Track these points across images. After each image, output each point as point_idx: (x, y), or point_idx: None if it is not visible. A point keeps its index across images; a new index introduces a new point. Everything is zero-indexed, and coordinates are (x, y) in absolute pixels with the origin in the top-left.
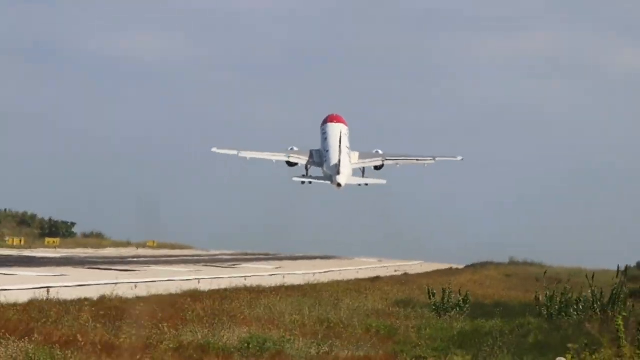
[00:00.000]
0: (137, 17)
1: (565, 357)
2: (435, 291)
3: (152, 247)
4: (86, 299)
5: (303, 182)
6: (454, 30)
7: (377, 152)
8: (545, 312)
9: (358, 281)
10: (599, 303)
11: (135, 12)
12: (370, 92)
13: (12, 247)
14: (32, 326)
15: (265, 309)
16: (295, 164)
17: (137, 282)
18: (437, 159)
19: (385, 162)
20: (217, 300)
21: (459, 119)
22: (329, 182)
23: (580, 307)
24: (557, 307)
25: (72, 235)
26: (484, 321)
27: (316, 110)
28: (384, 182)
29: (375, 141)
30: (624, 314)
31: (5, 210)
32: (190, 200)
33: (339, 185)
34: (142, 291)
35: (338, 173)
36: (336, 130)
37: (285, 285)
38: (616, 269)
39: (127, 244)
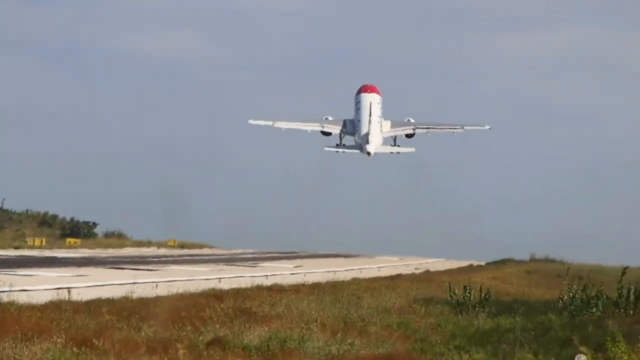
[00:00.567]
0: (154, 17)
1: (584, 354)
2: (456, 288)
3: (173, 247)
4: (107, 299)
5: (337, 152)
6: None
7: (408, 120)
8: (567, 309)
9: (379, 279)
10: (622, 299)
11: (151, 12)
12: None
13: (33, 247)
14: (54, 326)
15: (285, 308)
16: (329, 134)
17: (157, 282)
18: (465, 128)
19: (417, 131)
20: (238, 299)
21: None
22: (359, 151)
23: (601, 304)
24: (578, 304)
25: (93, 235)
26: (504, 318)
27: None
28: (412, 150)
29: (407, 112)
30: None
31: (27, 211)
32: (214, 197)
33: (369, 153)
34: (162, 290)
35: (367, 142)
36: (368, 100)
37: (306, 283)
38: (636, 266)
39: (148, 243)
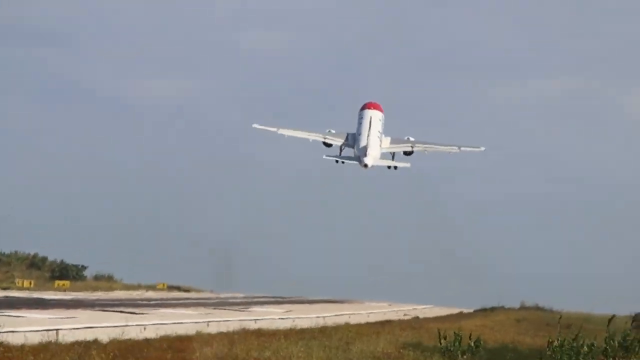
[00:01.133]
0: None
1: None
2: (445, 335)
3: (162, 290)
4: (96, 341)
5: (337, 161)
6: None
7: (408, 138)
8: (557, 357)
9: (368, 325)
10: (610, 348)
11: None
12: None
13: (21, 289)
14: None
15: (274, 353)
16: (330, 145)
17: (146, 325)
18: (462, 148)
19: (415, 148)
20: (226, 343)
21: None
22: (357, 162)
23: (590, 354)
24: (568, 353)
25: (82, 278)
26: None
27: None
28: (408, 165)
29: (409, 131)
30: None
31: (16, 252)
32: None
33: (366, 165)
34: (151, 333)
35: (365, 155)
36: (371, 117)
37: (295, 328)
38: (625, 314)
39: (138, 287)
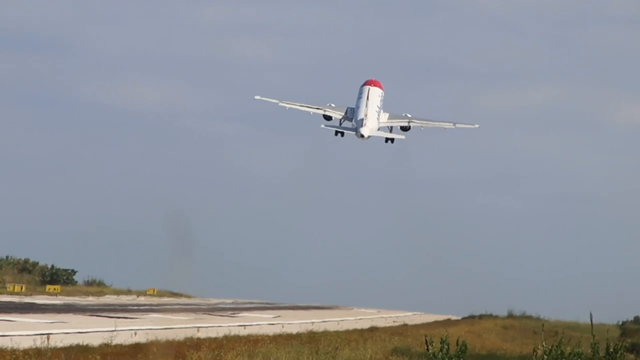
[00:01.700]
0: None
1: None
2: (432, 341)
3: (152, 295)
4: (86, 346)
5: (336, 133)
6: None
7: (405, 115)
8: None
9: (357, 331)
10: (596, 356)
11: (138, 63)
12: None
13: (12, 293)
14: None
15: (263, 358)
16: (330, 118)
17: (136, 330)
18: (457, 125)
19: (411, 124)
20: (215, 348)
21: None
22: (354, 133)
23: None
24: (554, 359)
25: (73, 282)
26: None
27: None
28: (403, 137)
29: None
30: None
31: (7, 257)
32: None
33: (362, 136)
34: (141, 338)
35: (362, 125)
36: (369, 92)
37: (284, 334)
38: (612, 322)
39: (128, 292)
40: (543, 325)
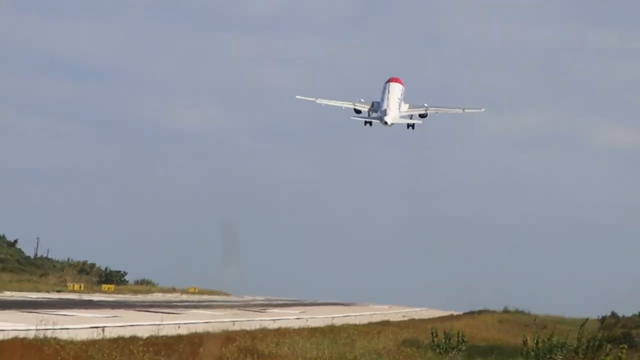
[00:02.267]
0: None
1: None
2: (437, 333)
3: (194, 293)
4: (136, 337)
5: (365, 123)
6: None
7: (423, 104)
8: (532, 354)
9: (371, 324)
10: (581, 349)
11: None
12: None
13: (73, 291)
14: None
15: (289, 348)
16: (360, 111)
17: (180, 323)
18: (465, 110)
19: (428, 111)
20: (249, 339)
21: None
22: (379, 121)
23: (564, 351)
24: (545, 349)
25: (124, 282)
26: None
27: None
28: (420, 122)
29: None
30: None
31: (68, 260)
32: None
33: (386, 123)
34: (184, 331)
35: (386, 114)
36: (391, 87)
37: (308, 327)
38: (594, 317)
39: (173, 290)
40: (535, 319)
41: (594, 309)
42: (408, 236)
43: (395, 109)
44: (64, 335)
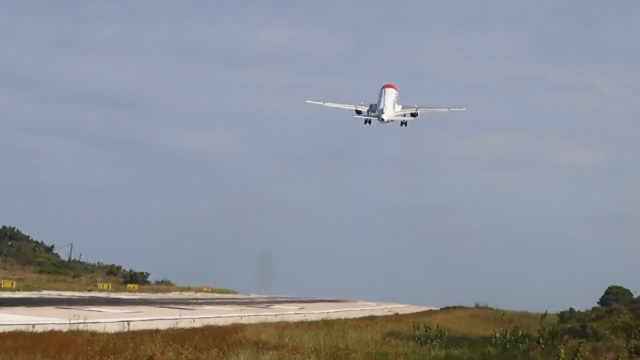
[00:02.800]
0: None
1: None
2: (419, 326)
3: (207, 291)
4: (157, 330)
5: (365, 122)
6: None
7: (413, 105)
8: (500, 344)
9: (361, 319)
10: (542, 337)
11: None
12: None
13: (102, 290)
14: (117, 349)
15: (290, 339)
16: (360, 112)
17: (195, 318)
18: (450, 109)
19: (418, 111)
20: (255, 331)
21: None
22: (376, 118)
23: (527, 340)
24: (510, 340)
25: (147, 282)
26: (454, 349)
27: None
28: (413, 119)
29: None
30: (561, 346)
31: (98, 263)
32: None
33: (382, 120)
34: (198, 324)
35: (382, 113)
36: (386, 91)
37: (306, 321)
38: (554, 312)
39: (188, 289)
40: (503, 314)
41: (554, 305)
42: (392, 243)
43: (391, 109)
44: (94, 328)
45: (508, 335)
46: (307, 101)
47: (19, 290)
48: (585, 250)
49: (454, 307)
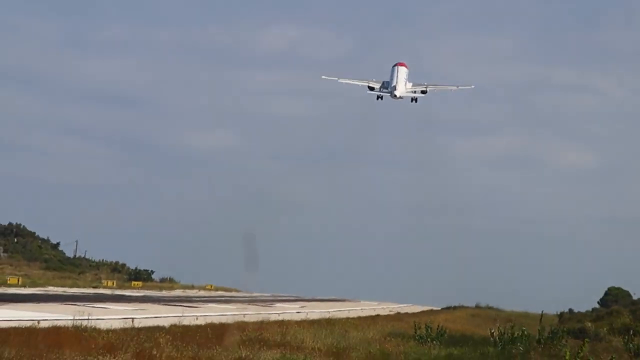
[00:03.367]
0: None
1: None
2: (420, 326)
3: (210, 289)
4: (160, 327)
5: (377, 97)
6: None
7: (424, 82)
8: (499, 344)
9: (362, 318)
10: (542, 339)
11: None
12: None
13: (106, 287)
14: (121, 345)
15: (292, 337)
16: (373, 88)
17: (198, 315)
18: (459, 87)
19: (428, 88)
20: (257, 329)
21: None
22: (389, 95)
23: (524, 340)
24: (508, 339)
25: (151, 280)
26: (455, 349)
27: None
28: (423, 95)
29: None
30: (563, 347)
31: (102, 260)
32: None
33: (395, 96)
34: (201, 321)
35: (395, 89)
36: (399, 69)
37: (307, 319)
38: (553, 313)
39: (192, 287)
40: (497, 315)
41: (554, 306)
42: (394, 243)
43: (402, 85)
44: (98, 325)
45: (506, 336)
46: (323, 77)
47: (24, 286)
48: (585, 251)
49: (455, 307)
